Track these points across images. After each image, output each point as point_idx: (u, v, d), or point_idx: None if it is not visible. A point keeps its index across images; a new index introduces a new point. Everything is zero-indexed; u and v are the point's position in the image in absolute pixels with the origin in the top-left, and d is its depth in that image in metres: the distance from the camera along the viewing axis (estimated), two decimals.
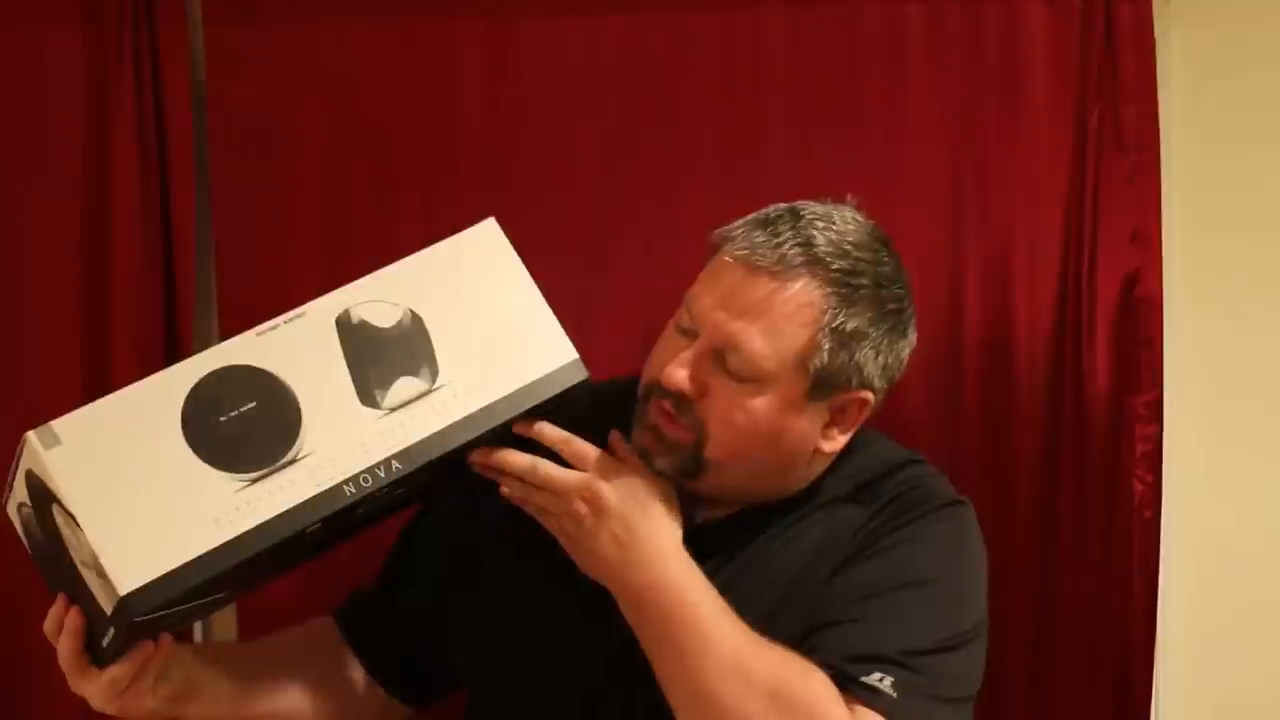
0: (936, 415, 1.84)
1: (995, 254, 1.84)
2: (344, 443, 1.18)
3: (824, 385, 1.29)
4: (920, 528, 1.35)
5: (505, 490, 1.30)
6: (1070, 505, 1.83)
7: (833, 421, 1.33)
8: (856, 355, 1.29)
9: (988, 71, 1.83)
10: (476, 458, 1.28)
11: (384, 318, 1.23)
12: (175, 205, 1.83)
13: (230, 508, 1.15)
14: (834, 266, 1.28)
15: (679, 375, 1.29)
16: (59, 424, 1.16)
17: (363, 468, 1.18)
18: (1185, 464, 1.88)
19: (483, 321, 1.26)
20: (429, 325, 1.24)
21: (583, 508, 1.26)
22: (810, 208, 1.32)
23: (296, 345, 1.21)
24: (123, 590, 1.11)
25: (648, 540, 1.26)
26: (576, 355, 1.28)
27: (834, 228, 1.30)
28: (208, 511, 1.15)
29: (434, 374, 1.23)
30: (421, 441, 1.20)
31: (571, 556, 1.29)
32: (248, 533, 1.15)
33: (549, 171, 1.84)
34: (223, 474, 1.15)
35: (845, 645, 1.27)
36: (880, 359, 1.31)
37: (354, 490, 1.18)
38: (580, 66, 1.84)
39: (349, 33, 1.84)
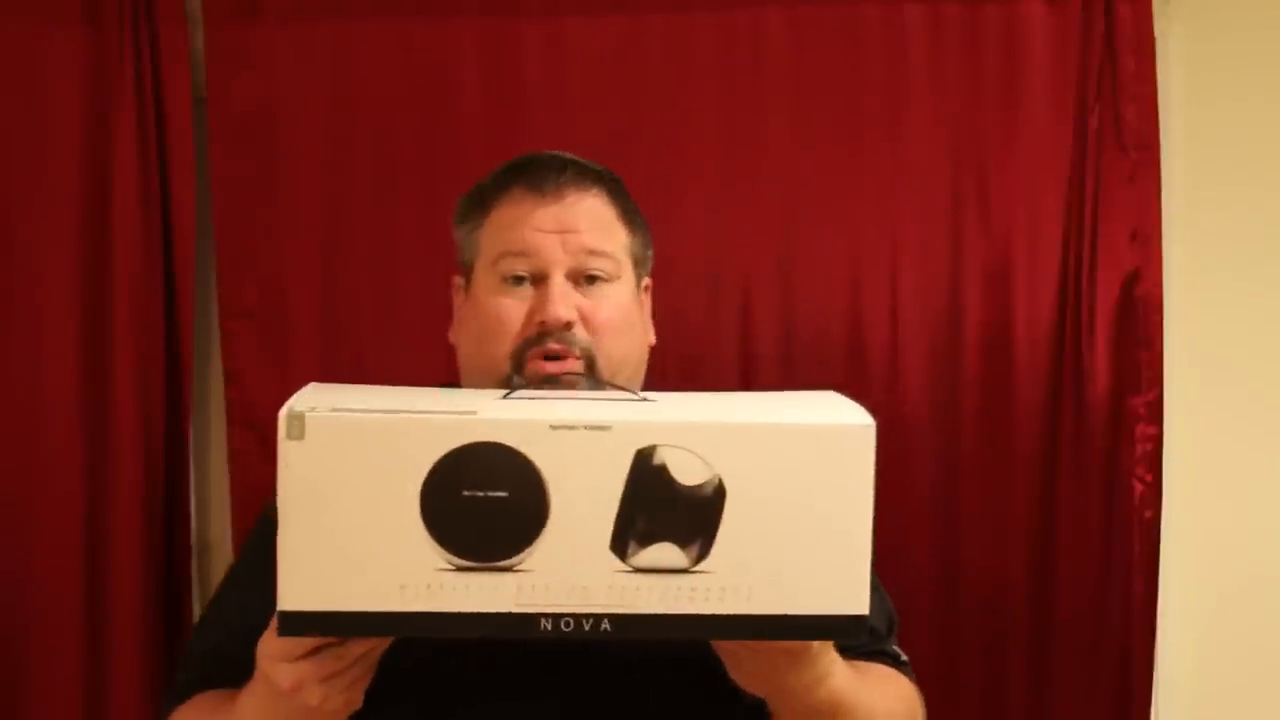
0: (936, 415, 1.84)
1: (995, 254, 1.84)
2: (568, 577, 1.06)
3: (640, 271, 1.36)
4: None
5: None
6: (1070, 505, 1.83)
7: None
8: (643, 238, 1.37)
9: (988, 71, 1.83)
10: None
11: (689, 474, 1.06)
12: (175, 205, 1.83)
13: (423, 583, 1.05)
14: (593, 168, 1.36)
15: (562, 306, 1.28)
16: (313, 419, 1.04)
17: (569, 611, 1.06)
18: (1185, 464, 1.88)
19: (791, 526, 1.06)
20: (729, 503, 1.06)
21: None
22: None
23: (582, 457, 1.06)
24: (282, 607, 1.05)
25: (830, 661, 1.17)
26: (866, 613, 1.07)
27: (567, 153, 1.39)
28: (400, 575, 1.05)
29: (701, 556, 1.06)
30: (642, 616, 1.06)
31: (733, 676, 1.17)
32: (424, 615, 1.05)
33: None
34: (436, 547, 1.05)
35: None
36: (649, 243, 1.39)
37: (549, 628, 1.06)
38: (580, 66, 1.84)
39: (349, 33, 1.85)
